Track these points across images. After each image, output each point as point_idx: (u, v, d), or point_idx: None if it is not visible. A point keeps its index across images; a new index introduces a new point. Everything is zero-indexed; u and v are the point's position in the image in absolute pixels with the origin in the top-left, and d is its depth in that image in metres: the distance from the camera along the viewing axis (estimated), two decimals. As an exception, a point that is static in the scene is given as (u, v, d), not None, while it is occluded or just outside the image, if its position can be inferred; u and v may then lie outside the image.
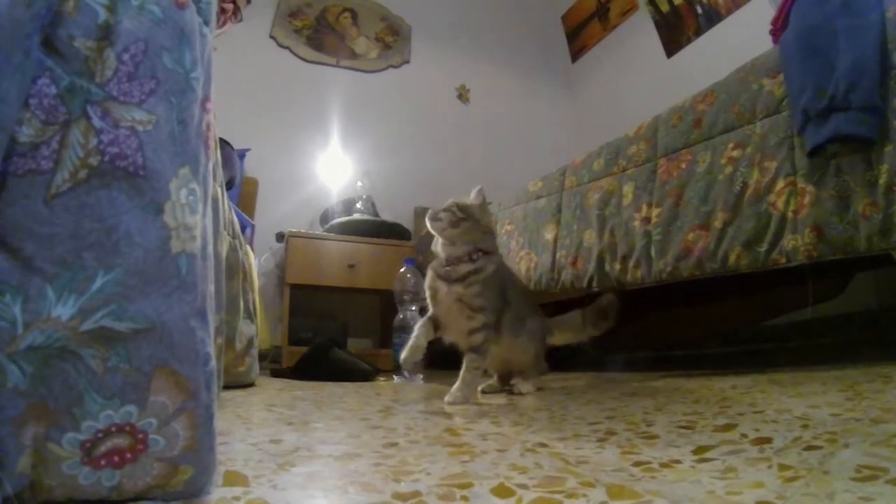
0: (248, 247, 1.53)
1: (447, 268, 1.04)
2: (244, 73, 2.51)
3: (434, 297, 1.06)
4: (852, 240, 0.95)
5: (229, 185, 1.81)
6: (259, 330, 1.50)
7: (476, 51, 3.32)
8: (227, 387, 1.15)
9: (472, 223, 1.04)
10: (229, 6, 1.51)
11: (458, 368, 1.02)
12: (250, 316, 1.34)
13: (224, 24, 1.53)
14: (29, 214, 0.31)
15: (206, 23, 0.41)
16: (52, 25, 0.32)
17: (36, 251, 0.30)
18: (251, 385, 1.30)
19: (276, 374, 1.73)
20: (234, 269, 1.23)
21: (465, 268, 1.03)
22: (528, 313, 1.15)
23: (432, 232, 1.07)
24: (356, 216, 2.43)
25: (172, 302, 0.34)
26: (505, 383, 1.18)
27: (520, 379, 1.12)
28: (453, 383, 0.99)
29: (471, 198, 1.09)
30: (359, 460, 0.48)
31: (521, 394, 1.06)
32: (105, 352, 0.32)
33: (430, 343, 1.06)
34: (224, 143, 1.71)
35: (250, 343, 1.29)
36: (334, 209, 2.52)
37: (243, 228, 1.63)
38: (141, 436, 0.32)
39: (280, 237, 2.34)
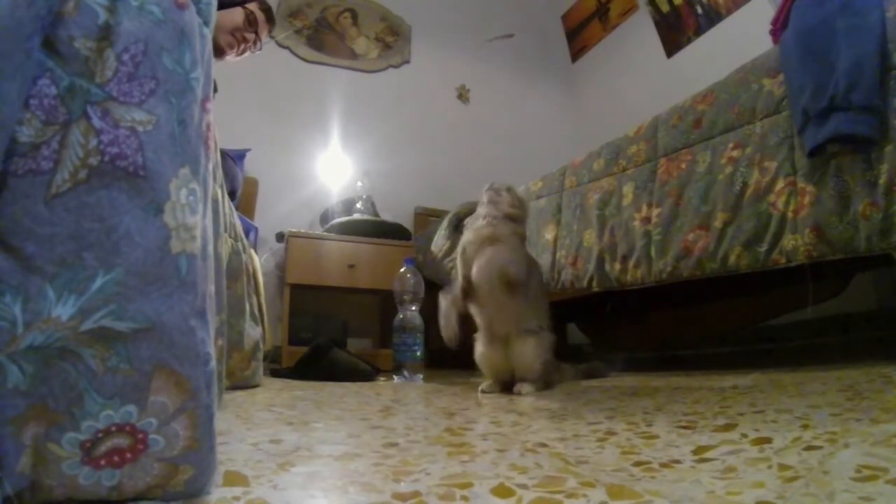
0: (252, 251, 1.53)
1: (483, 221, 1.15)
2: (244, 73, 2.51)
3: (465, 254, 1.15)
4: (852, 240, 0.95)
5: (231, 196, 1.82)
6: (266, 334, 1.50)
7: (476, 51, 3.32)
8: (229, 388, 1.15)
9: (518, 220, 1.18)
10: (251, 36, 1.55)
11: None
12: (256, 319, 1.34)
13: (244, 52, 1.57)
14: (29, 214, 0.31)
15: (206, 23, 0.41)
16: (52, 26, 0.32)
17: (36, 251, 0.30)
18: (255, 386, 1.30)
19: (276, 374, 1.73)
20: (237, 272, 1.23)
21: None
22: (543, 319, 1.17)
23: (483, 200, 1.19)
24: (356, 216, 2.43)
25: (172, 302, 0.34)
26: (504, 390, 1.17)
27: (523, 383, 1.11)
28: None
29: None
30: (359, 460, 0.48)
31: (520, 394, 1.06)
32: (105, 352, 0.32)
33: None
34: (225, 157, 1.71)
35: (256, 347, 1.29)
36: (334, 209, 2.52)
37: (247, 232, 1.63)
38: (141, 436, 0.32)
39: (280, 237, 2.34)
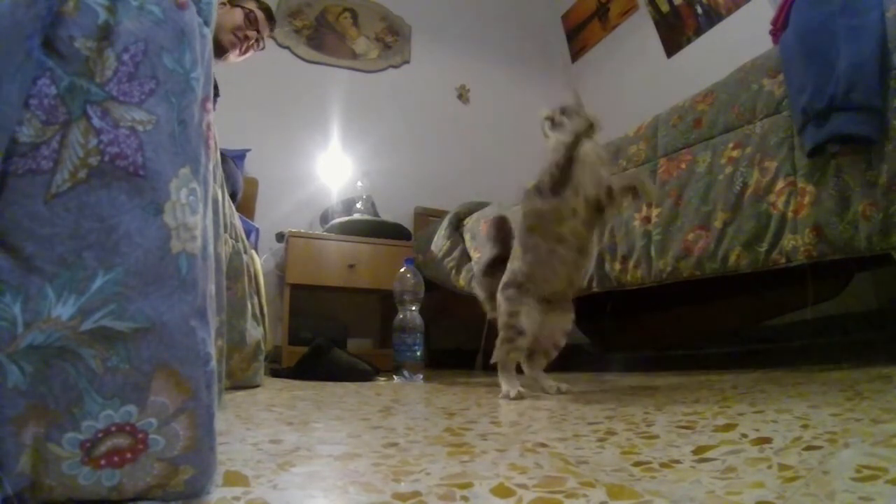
0: (253, 251, 1.53)
1: None
2: (244, 73, 2.51)
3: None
4: (852, 240, 0.95)
5: (232, 198, 1.82)
6: (268, 334, 1.50)
7: (476, 51, 3.32)
8: (230, 389, 1.15)
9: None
10: (253, 34, 1.58)
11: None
12: (257, 320, 1.34)
13: (247, 51, 1.60)
14: (29, 214, 0.31)
15: (206, 23, 0.41)
16: (52, 26, 0.32)
17: (36, 251, 0.30)
18: (256, 387, 1.30)
19: (276, 374, 1.73)
20: (239, 273, 1.23)
21: None
22: None
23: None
24: (356, 216, 2.43)
25: (173, 302, 0.34)
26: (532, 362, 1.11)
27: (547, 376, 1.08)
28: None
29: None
30: (359, 460, 0.48)
31: (560, 392, 1.02)
32: (105, 351, 0.32)
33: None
34: (226, 159, 1.72)
35: (258, 347, 1.29)
36: (334, 209, 2.52)
37: (248, 234, 1.64)
38: (141, 436, 0.32)
39: (280, 237, 2.34)
